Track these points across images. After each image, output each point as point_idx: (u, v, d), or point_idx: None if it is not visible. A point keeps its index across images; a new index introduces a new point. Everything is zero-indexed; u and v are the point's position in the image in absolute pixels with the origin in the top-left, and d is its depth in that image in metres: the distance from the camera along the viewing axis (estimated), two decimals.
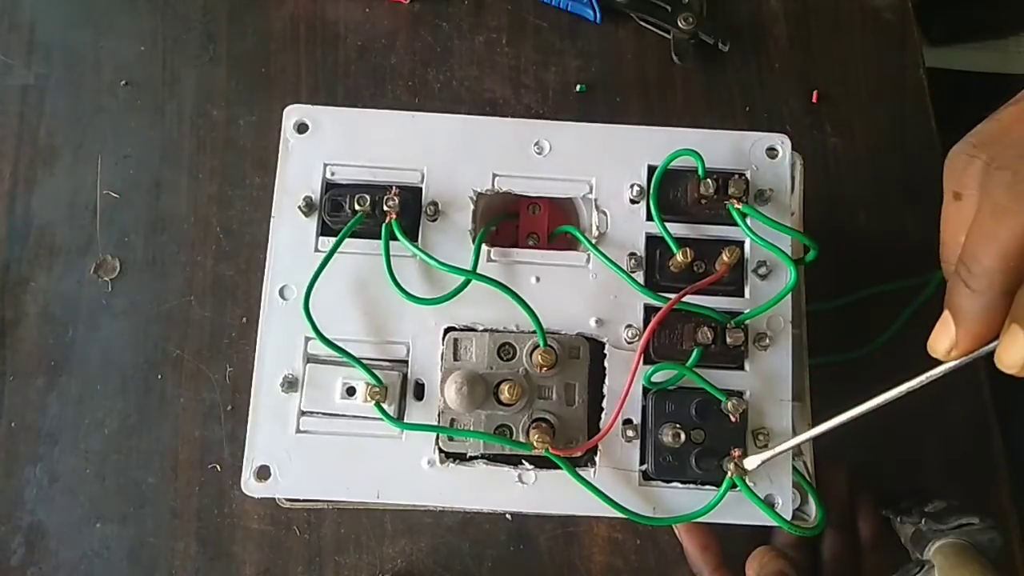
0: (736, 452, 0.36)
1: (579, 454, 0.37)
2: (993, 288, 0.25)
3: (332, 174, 0.40)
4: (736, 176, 0.39)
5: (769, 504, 0.37)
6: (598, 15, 0.55)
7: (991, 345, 0.26)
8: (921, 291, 0.51)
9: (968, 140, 0.26)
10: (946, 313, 0.27)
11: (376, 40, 0.57)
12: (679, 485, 0.37)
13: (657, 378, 0.38)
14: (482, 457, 0.37)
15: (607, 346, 0.38)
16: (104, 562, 0.48)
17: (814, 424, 0.38)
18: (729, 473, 0.36)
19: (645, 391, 0.38)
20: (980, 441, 0.51)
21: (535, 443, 0.35)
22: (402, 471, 0.37)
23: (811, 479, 0.39)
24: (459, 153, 0.40)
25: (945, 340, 0.27)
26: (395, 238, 0.38)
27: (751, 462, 0.36)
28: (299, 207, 0.39)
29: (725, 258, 0.38)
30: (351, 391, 0.38)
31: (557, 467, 0.36)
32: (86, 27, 0.56)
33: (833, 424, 0.34)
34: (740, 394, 0.38)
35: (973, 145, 0.25)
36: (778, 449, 0.36)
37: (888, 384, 0.51)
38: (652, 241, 0.40)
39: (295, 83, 0.56)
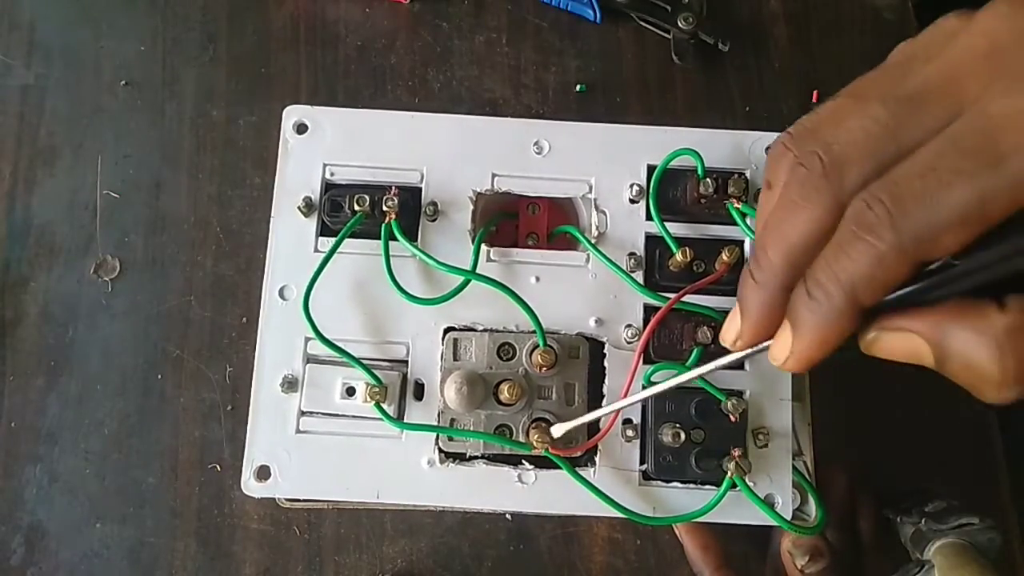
0: (736, 452, 0.36)
1: (579, 454, 0.37)
2: (775, 282, 0.25)
3: (331, 174, 0.40)
4: (736, 175, 0.39)
5: (769, 504, 0.37)
6: (598, 15, 0.55)
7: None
8: None
9: (788, 131, 0.25)
10: (736, 303, 0.27)
11: (376, 40, 0.57)
12: (679, 485, 0.37)
13: (657, 378, 0.38)
14: (482, 457, 0.37)
15: (607, 346, 0.38)
16: (104, 562, 0.48)
17: (802, 426, 0.38)
18: (729, 473, 0.36)
19: None
20: (980, 441, 0.51)
21: (535, 443, 0.35)
22: (402, 471, 0.37)
23: (811, 479, 0.39)
24: (459, 153, 0.40)
25: (732, 330, 0.27)
26: (395, 238, 0.38)
27: (557, 430, 0.36)
28: (299, 207, 0.39)
29: (725, 258, 0.38)
30: (351, 391, 0.38)
31: (557, 467, 0.36)
32: (86, 27, 0.57)
33: (638, 398, 0.34)
34: (740, 394, 0.38)
35: (790, 136, 0.25)
36: (587, 417, 0.35)
37: (888, 385, 0.51)
38: (651, 241, 0.40)
39: (295, 83, 0.56)
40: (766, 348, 0.26)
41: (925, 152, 0.22)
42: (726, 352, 0.37)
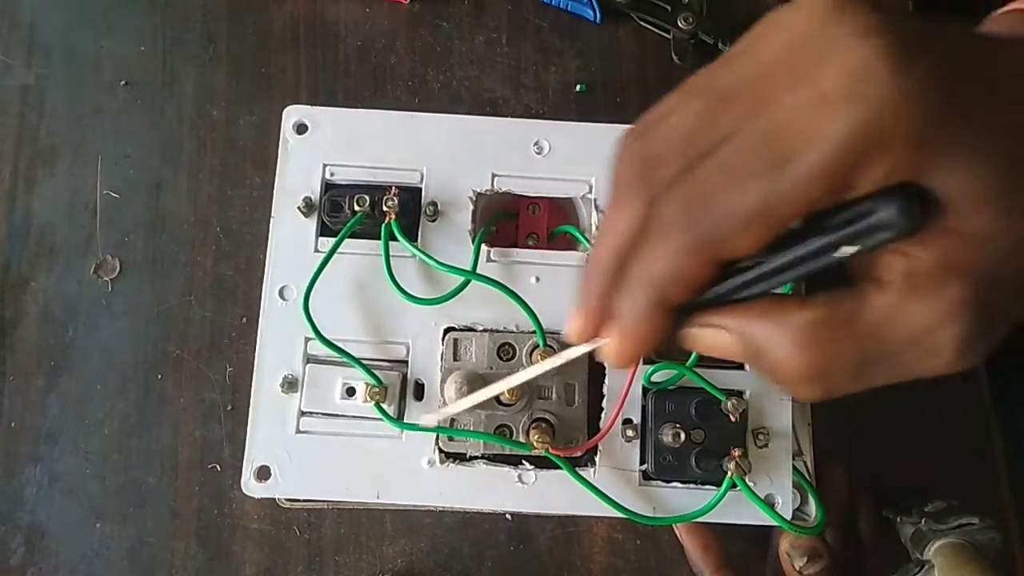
0: (736, 452, 0.36)
1: (579, 454, 0.37)
2: (603, 280, 0.24)
3: (331, 174, 0.40)
4: None
5: (769, 504, 0.37)
6: (598, 15, 0.55)
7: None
8: None
9: (634, 124, 0.25)
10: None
11: (376, 40, 0.57)
12: (679, 485, 0.37)
13: (657, 378, 0.38)
14: (482, 457, 0.37)
15: None
16: (104, 562, 0.48)
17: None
18: (729, 473, 0.36)
19: (645, 391, 0.38)
20: (980, 441, 0.51)
21: (535, 443, 0.36)
22: (402, 471, 0.37)
23: (811, 479, 0.39)
24: (458, 153, 0.40)
25: (573, 324, 0.27)
26: (395, 238, 0.38)
27: (428, 419, 0.35)
28: (298, 208, 0.39)
29: None
30: (351, 391, 0.38)
31: (557, 467, 0.36)
32: (86, 27, 0.56)
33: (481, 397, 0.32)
34: (740, 394, 0.38)
35: (626, 133, 0.25)
36: (469, 400, 0.33)
37: (888, 385, 0.51)
38: None
39: (295, 83, 0.56)
40: (604, 343, 0.26)
41: (724, 151, 0.22)
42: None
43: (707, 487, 0.37)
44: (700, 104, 0.23)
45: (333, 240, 0.38)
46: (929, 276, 0.21)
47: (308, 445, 0.37)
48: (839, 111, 0.20)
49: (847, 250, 0.21)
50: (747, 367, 0.38)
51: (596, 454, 0.37)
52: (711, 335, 0.24)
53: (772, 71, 0.22)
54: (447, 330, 0.38)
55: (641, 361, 0.37)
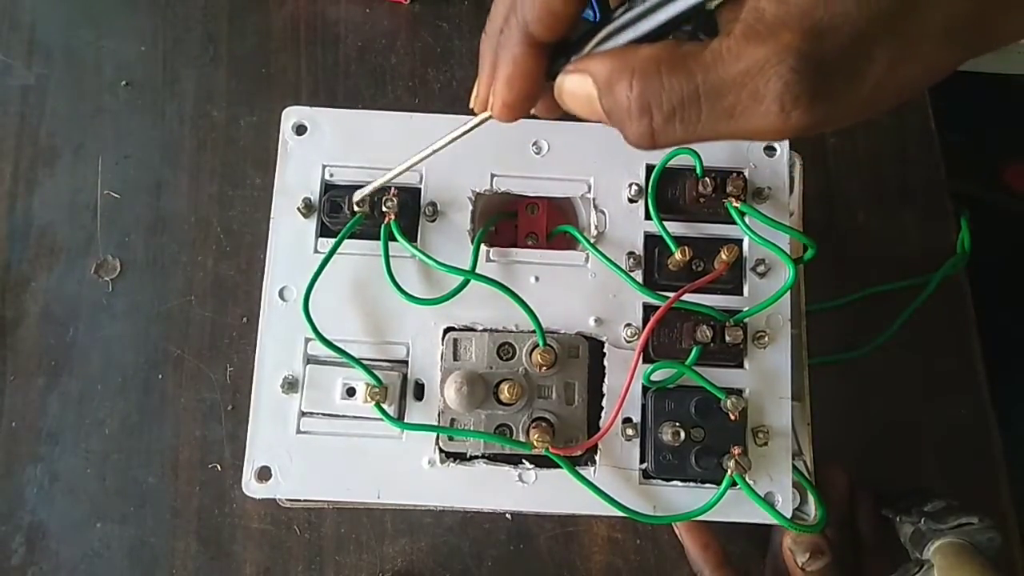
0: (736, 450, 0.36)
1: (579, 453, 0.37)
2: (495, 29, 0.26)
3: (331, 175, 0.40)
4: (734, 175, 0.39)
5: (769, 502, 0.37)
6: (597, 15, 0.55)
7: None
8: (921, 291, 0.51)
9: None
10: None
11: (376, 40, 0.57)
12: (679, 483, 0.37)
13: (656, 377, 0.38)
14: (482, 457, 0.37)
15: (606, 345, 0.38)
16: (104, 562, 0.48)
17: None
18: (729, 471, 0.36)
19: (645, 390, 0.38)
20: (980, 441, 0.51)
21: (535, 442, 0.36)
22: (402, 471, 0.37)
23: (811, 478, 0.39)
24: (457, 153, 0.40)
25: (473, 93, 0.29)
26: (394, 239, 0.38)
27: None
28: (298, 208, 0.39)
29: (724, 256, 0.38)
30: (351, 392, 0.38)
31: (557, 466, 0.36)
32: (86, 27, 0.57)
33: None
34: (739, 392, 0.38)
35: None
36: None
37: (888, 385, 0.51)
38: (651, 240, 0.40)
39: (295, 83, 0.56)
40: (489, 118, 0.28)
41: None
42: (725, 348, 0.37)
43: (707, 486, 0.37)
44: None
45: (333, 241, 0.38)
46: (768, 24, 0.21)
47: (309, 445, 0.37)
48: None
49: None
50: (746, 364, 0.38)
51: (596, 453, 0.37)
52: (575, 80, 0.25)
53: None
54: (447, 330, 0.39)
55: (641, 359, 0.37)
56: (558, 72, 0.26)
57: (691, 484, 0.37)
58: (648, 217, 0.40)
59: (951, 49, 0.22)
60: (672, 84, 0.22)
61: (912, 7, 0.21)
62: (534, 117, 0.29)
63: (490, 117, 0.28)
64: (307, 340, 0.38)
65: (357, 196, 0.38)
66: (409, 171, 0.40)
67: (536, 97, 0.27)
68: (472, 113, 0.30)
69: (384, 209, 0.38)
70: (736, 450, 0.36)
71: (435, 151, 0.33)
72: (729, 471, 0.36)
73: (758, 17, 0.21)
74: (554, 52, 0.26)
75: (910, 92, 0.23)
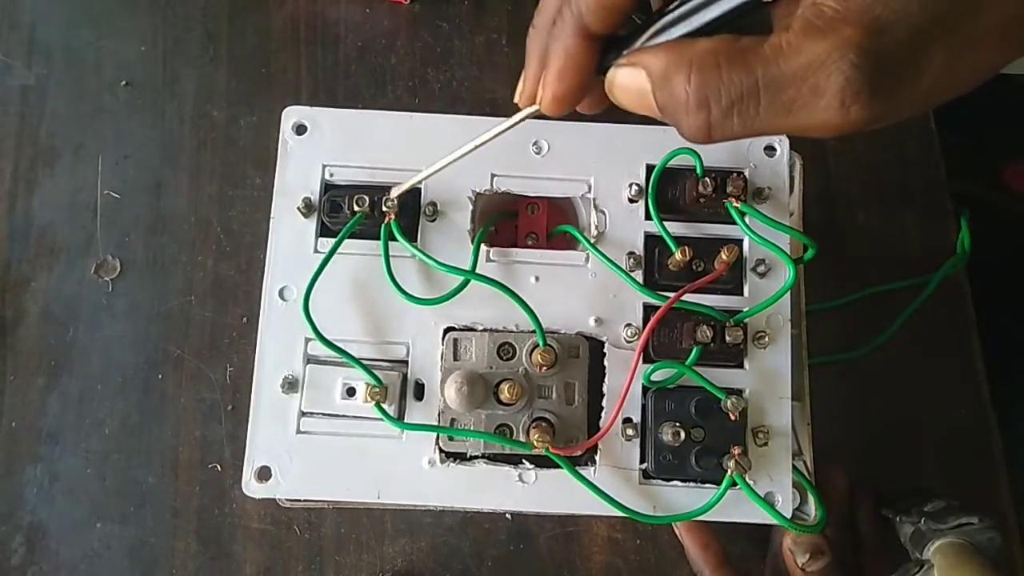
0: (736, 450, 0.36)
1: (579, 453, 0.37)
2: (547, 23, 0.26)
3: (331, 175, 0.40)
4: (734, 175, 0.39)
5: (769, 502, 0.37)
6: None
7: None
8: (921, 291, 0.51)
9: None
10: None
11: (376, 40, 0.57)
12: (679, 483, 0.37)
13: (657, 377, 0.38)
14: (482, 457, 0.37)
15: (606, 345, 0.38)
16: (104, 562, 0.48)
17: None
18: (729, 471, 0.36)
19: (645, 390, 0.38)
20: (980, 441, 0.51)
21: (535, 442, 0.36)
22: (402, 471, 0.37)
23: (811, 478, 0.39)
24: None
25: (519, 87, 0.29)
26: (394, 239, 0.38)
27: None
28: (298, 208, 0.39)
29: (724, 256, 0.38)
30: (351, 391, 0.38)
31: (557, 466, 0.36)
32: (86, 27, 0.57)
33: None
34: (739, 392, 0.38)
35: None
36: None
37: (888, 385, 0.51)
38: (651, 240, 0.40)
39: (295, 83, 0.56)
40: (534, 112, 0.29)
41: None
42: (725, 348, 0.37)
43: (707, 486, 0.37)
44: None
45: (333, 241, 0.38)
46: (828, 19, 0.21)
47: (309, 445, 0.37)
48: None
49: None
50: (746, 365, 0.38)
51: (596, 453, 0.37)
52: (628, 74, 0.25)
53: None
54: (447, 330, 0.39)
55: (641, 359, 0.37)
56: (608, 66, 0.26)
57: (691, 484, 0.37)
58: (648, 217, 0.39)
59: (1006, 47, 0.22)
60: (732, 78, 0.22)
61: (970, 7, 0.21)
62: (575, 116, 0.29)
63: (537, 111, 0.28)
64: (307, 340, 0.38)
65: (394, 193, 0.38)
66: (410, 171, 0.40)
67: (586, 90, 0.27)
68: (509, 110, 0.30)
69: (384, 209, 0.38)
70: (736, 450, 0.36)
71: (477, 147, 0.33)
72: (729, 471, 0.36)
73: (818, 12, 0.21)
74: (605, 46, 0.26)
75: (965, 88, 0.23)
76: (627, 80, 0.25)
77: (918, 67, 0.21)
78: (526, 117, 0.29)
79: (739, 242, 0.39)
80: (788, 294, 0.38)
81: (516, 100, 0.29)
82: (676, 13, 0.24)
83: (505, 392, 0.37)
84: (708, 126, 0.23)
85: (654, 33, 0.25)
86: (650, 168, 0.40)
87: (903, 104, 0.22)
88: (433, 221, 0.40)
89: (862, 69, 0.21)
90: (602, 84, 0.26)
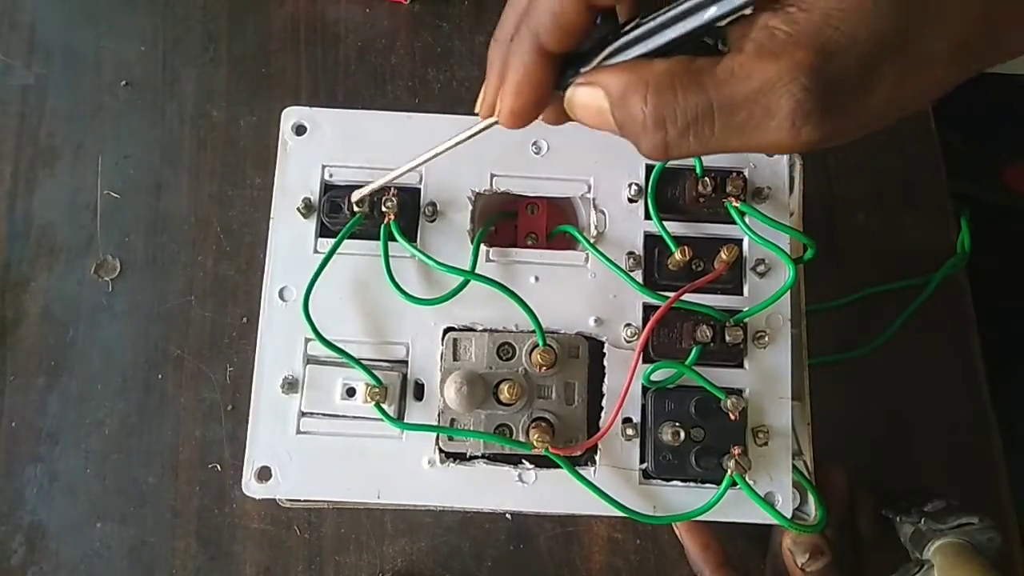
0: (736, 450, 0.36)
1: (579, 453, 0.37)
2: (506, 36, 0.26)
3: (330, 175, 0.40)
4: (734, 174, 0.39)
5: (769, 502, 0.37)
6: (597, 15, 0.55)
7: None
8: (921, 291, 0.51)
9: None
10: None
11: (376, 40, 0.57)
12: (679, 483, 0.37)
13: (656, 376, 0.38)
14: (482, 457, 0.37)
15: (606, 345, 0.38)
16: (104, 562, 0.48)
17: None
18: (729, 471, 0.36)
19: (644, 390, 0.38)
20: (980, 441, 0.51)
21: (535, 442, 0.36)
22: (402, 471, 0.37)
23: (811, 478, 0.39)
24: (457, 153, 0.40)
25: (480, 98, 0.29)
26: (394, 239, 0.38)
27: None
28: (298, 209, 0.39)
29: (724, 256, 0.38)
30: (351, 392, 0.38)
31: (557, 466, 0.36)
32: (86, 27, 0.57)
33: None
34: (739, 392, 0.38)
35: None
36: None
37: (888, 385, 0.51)
38: (650, 240, 0.40)
39: (295, 83, 0.56)
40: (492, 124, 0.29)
41: None
42: (725, 348, 0.37)
43: (707, 486, 0.37)
44: None
45: (333, 241, 0.38)
46: (780, 42, 0.22)
47: (308, 445, 0.37)
48: None
49: (713, 11, 0.22)
50: (746, 364, 0.38)
51: (596, 453, 0.37)
52: (587, 93, 0.25)
53: None
54: (447, 330, 0.39)
55: (641, 359, 0.37)
56: (567, 83, 0.26)
57: (691, 484, 0.37)
58: (648, 217, 0.39)
59: (956, 66, 0.22)
60: (687, 99, 0.23)
61: (917, 29, 0.21)
62: None
63: (496, 123, 0.28)
64: (307, 340, 0.38)
65: (356, 196, 0.38)
66: (409, 172, 0.40)
67: (543, 105, 0.27)
68: (485, 115, 0.30)
69: (384, 209, 0.38)
70: (736, 450, 0.36)
71: (438, 154, 0.33)
72: (729, 471, 0.36)
73: (769, 36, 0.22)
74: (563, 63, 0.26)
75: (917, 106, 0.23)
76: (585, 99, 0.26)
77: (867, 88, 0.22)
78: (485, 128, 0.29)
79: (739, 242, 0.39)
80: (788, 294, 0.38)
81: (476, 110, 0.29)
82: (633, 34, 0.25)
83: (505, 392, 0.37)
84: (665, 145, 0.24)
85: (612, 52, 0.25)
86: (649, 168, 0.40)
87: (853, 124, 0.23)
88: (433, 221, 0.40)
89: (812, 92, 0.21)
90: (561, 99, 0.27)
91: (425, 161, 0.34)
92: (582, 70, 0.26)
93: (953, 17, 0.21)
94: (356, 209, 0.38)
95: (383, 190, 0.38)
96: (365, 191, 0.38)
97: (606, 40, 0.25)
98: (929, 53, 0.22)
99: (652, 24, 0.24)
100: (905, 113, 0.23)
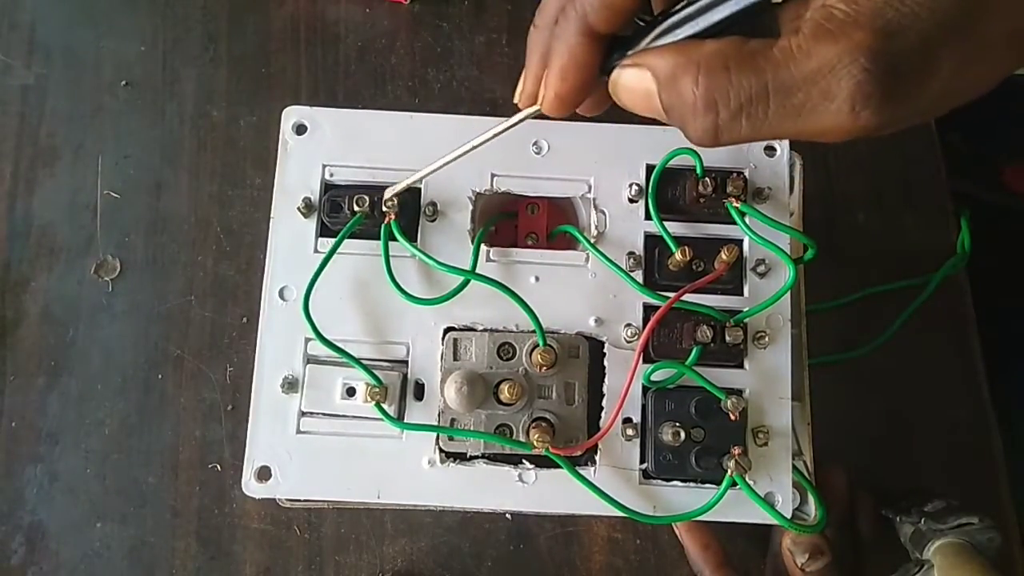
0: (736, 450, 0.36)
1: (579, 453, 0.37)
2: (549, 22, 0.26)
3: (331, 175, 0.40)
4: (734, 175, 0.39)
5: (769, 502, 0.37)
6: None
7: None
8: (921, 291, 0.51)
9: None
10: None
11: (376, 40, 0.57)
12: (679, 484, 0.37)
13: (657, 377, 0.38)
14: (482, 457, 0.37)
15: (606, 345, 0.38)
16: (104, 562, 0.48)
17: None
18: (729, 471, 0.36)
19: (645, 390, 0.38)
20: (980, 441, 0.51)
21: (535, 442, 0.36)
22: (402, 471, 0.37)
23: (811, 478, 0.39)
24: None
25: (519, 87, 0.28)
26: (394, 239, 0.38)
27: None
28: (298, 208, 0.39)
29: (724, 256, 0.38)
30: (351, 391, 0.38)
31: (557, 466, 0.36)
32: (86, 27, 0.57)
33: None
34: (739, 392, 0.38)
35: None
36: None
37: (888, 385, 0.51)
38: (651, 240, 0.40)
39: (295, 83, 0.56)
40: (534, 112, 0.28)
41: None
42: (725, 348, 0.37)
43: (707, 486, 0.37)
44: None
45: (333, 241, 0.38)
46: (839, 22, 0.21)
47: (308, 445, 0.37)
48: None
49: None
50: (746, 365, 0.38)
51: (596, 453, 0.37)
52: (633, 75, 0.25)
53: None
54: (447, 330, 0.39)
55: (641, 359, 0.37)
56: (612, 67, 0.26)
57: (691, 484, 0.37)
58: (648, 217, 0.39)
59: (1012, 56, 0.22)
60: (740, 81, 0.22)
61: (978, 14, 0.21)
62: (575, 116, 0.28)
63: (538, 111, 0.28)
64: (307, 340, 0.38)
65: (388, 193, 0.38)
66: (410, 171, 0.40)
67: (589, 90, 0.27)
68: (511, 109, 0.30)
69: (384, 209, 0.38)
70: (736, 450, 0.36)
71: (475, 147, 0.33)
72: (729, 471, 0.36)
73: (828, 16, 0.21)
74: (609, 46, 0.26)
75: (971, 95, 0.23)
76: (632, 81, 0.25)
77: (928, 72, 0.21)
78: (527, 117, 0.29)
79: (739, 242, 0.39)
80: (788, 294, 0.38)
81: (516, 100, 0.29)
82: (682, 14, 0.24)
83: (505, 392, 0.37)
84: (716, 129, 0.23)
85: (660, 34, 0.25)
86: (650, 168, 0.40)
87: (912, 109, 0.22)
88: (433, 221, 0.40)
89: (873, 73, 0.21)
90: (604, 85, 0.26)
91: (460, 156, 0.34)
92: (629, 52, 0.25)
93: (1011, 1, 0.21)
94: (357, 208, 0.38)
95: (383, 190, 0.38)
96: (398, 187, 0.38)
97: (655, 21, 0.25)
98: (988, 39, 0.21)
99: (703, 2, 0.24)
100: (959, 102, 0.22)
